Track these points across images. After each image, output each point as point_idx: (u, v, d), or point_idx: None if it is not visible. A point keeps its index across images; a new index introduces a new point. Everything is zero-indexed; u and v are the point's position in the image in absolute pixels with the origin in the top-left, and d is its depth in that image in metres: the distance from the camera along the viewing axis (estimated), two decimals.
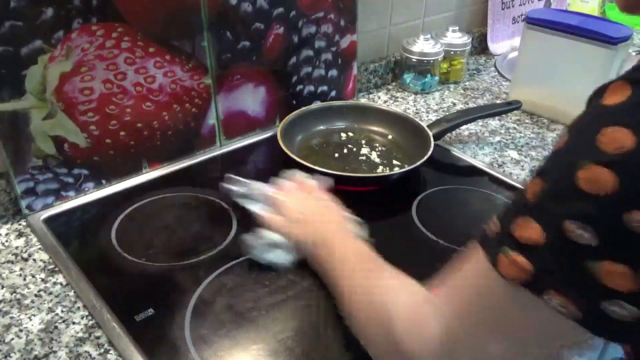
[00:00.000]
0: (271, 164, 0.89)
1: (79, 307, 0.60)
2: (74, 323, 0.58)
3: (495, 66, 1.27)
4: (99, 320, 0.58)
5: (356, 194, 0.81)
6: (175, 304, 0.60)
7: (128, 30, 0.73)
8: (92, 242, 0.69)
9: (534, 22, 1.02)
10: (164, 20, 0.76)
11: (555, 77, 1.02)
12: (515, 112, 1.01)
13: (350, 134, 0.94)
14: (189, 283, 0.63)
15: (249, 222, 0.72)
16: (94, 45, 0.71)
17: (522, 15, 1.37)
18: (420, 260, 0.68)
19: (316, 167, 0.78)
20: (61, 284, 0.63)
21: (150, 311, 0.59)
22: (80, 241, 0.70)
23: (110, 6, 0.71)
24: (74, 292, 0.62)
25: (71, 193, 0.76)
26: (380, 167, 0.86)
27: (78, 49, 0.70)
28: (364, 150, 0.90)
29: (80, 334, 0.57)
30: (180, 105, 0.82)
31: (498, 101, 1.10)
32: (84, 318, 0.59)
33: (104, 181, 0.78)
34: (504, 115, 1.03)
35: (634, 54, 1.28)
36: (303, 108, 0.93)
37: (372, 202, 0.79)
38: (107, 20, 0.71)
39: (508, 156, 0.92)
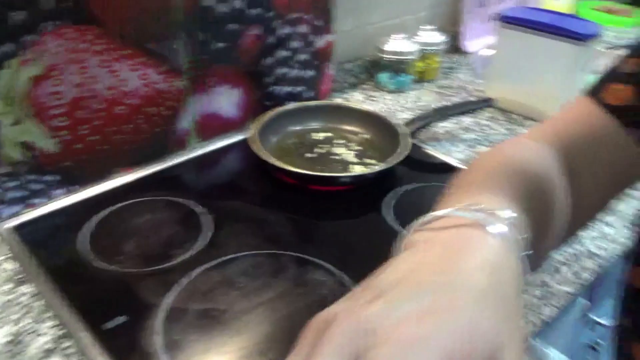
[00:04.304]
0: (246, 165, 0.89)
1: (48, 317, 0.59)
2: (42, 334, 0.57)
3: (469, 64, 1.28)
4: (69, 329, 0.57)
5: (332, 193, 0.81)
6: (147, 310, 0.59)
7: (101, 33, 0.72)
8: (62, 249, 0.68)
9: (507, 20, 1.03)
10: (137, 23, 0.75)
11: (527, 74, 1.03)
12: (488, 109, 1.02)
13: (326, 133, 0.94)
14: (162, 288, 0.62)
15: (223, 225, 0.72)
16: (66, 48, 0.70)
17: (495, 13, 1.38)
18: None
19: (291, 168, 0.78)
20: (29, 293, 0.62)
21: (122, 318, 0.58)
22: (50, 249, 0.69)
23: (83, 9, 0.70)
24: (43, 301, 0.61)
25: (42, 200, 0.74)
26: (356, 166, 0.86)
27: (49, 52, 0.69)
28: (340, 150, 0.90)
29: (49, 345, 0.56)
30: (154, 108, 0.81)
31: (472, 99, 1.11)
32: (53, 328, 0.58)
33: (74, 187, 0.77)
34: (477, 113, 1.04)
35: (603, 50, 1.30)
36: (278, 109, 0.93)
37: (348, 201, 0.80)
38: (79, 23, 0.70)
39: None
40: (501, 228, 0.33)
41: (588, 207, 0.48)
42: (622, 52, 0.48)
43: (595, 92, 0.47)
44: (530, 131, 0.49)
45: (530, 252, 0.35)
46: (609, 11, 1.57)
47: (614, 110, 0.45)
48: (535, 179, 0.41)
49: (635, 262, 0.53)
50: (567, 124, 0.47)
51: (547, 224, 0.42)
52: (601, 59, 0.96)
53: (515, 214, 0.35)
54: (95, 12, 0.71)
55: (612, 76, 0.47)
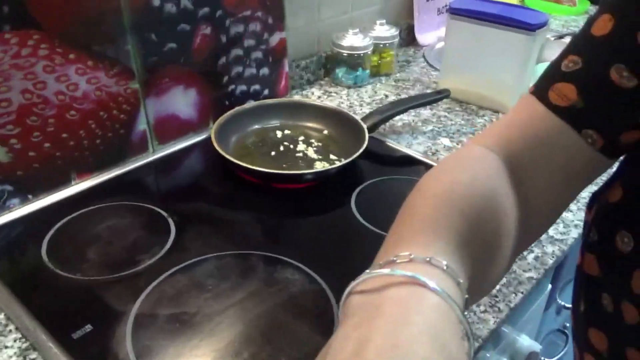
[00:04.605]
0: (207, 166, 0.87)
1: (10, 330, 0.57)
2: (6, 347, 0.55)
3: (424, 57, 1.30)
4: (34, 341, 0.55)
5: (295, 191, 0.81)
6: (114, 318, 0.58)
7: (45, 38, 0.70)
8: (21, 261, 0.66)
9: (456, 12, 1.04)
10: (82, 25, 0.73)
11: (480, 65, 1.05)
12: (445, 100, 1.04)
13: (286, 131, 0.94)
14: (129, 294, 0.60)
15: (188, 227, 0.71)
16: (9, 54, 0.68)
17: (446, 5, 1.41)
18: (361, 252, 0.69)
19: (253, 167, 0.78)
20: None
21: (89, 327, 0.56)
22: (8, 261, 0.66)
23: (23, 13, 0.67)
24: (4, 315, 0.59)
25: None
26: (318, 163, 0.86)
27: None
28: (301, 147, 0.90)
29: (13, 358, 0.54)
30: (107, 112, 0.79)
31: (428, 91, 1.13)
32: (17, 341, 0.56)
33: (30, 196, 0.75)
34: (434, 104, 1.06)
35: (552, 38, 1.34)
36: (236, 108, 0.92)
37: (312, 198, 0.80)
38: (21, 28, 0.68)
39: (441, 144, 0.95)
40: (438, 281, 0.32)
41: (540, 217, 0.47)
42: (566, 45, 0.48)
43: (542, 92, 0.46)
44: (481, 136, 0.48)
45: (467, 296, 0.35)
46: (555, 1, 1.63)
47: (563, 112, 0.44)
48: (482, 203, 0.41)
49: (584, 248, 0.54)
50: (517, 129, 0.46)
51: (494, 253, 0.42)
52: (552, 47, 0.99)
53: (453, 259, 0.35)
54: (36, 16, 0.69)
55: (555, 74, 0.46)
